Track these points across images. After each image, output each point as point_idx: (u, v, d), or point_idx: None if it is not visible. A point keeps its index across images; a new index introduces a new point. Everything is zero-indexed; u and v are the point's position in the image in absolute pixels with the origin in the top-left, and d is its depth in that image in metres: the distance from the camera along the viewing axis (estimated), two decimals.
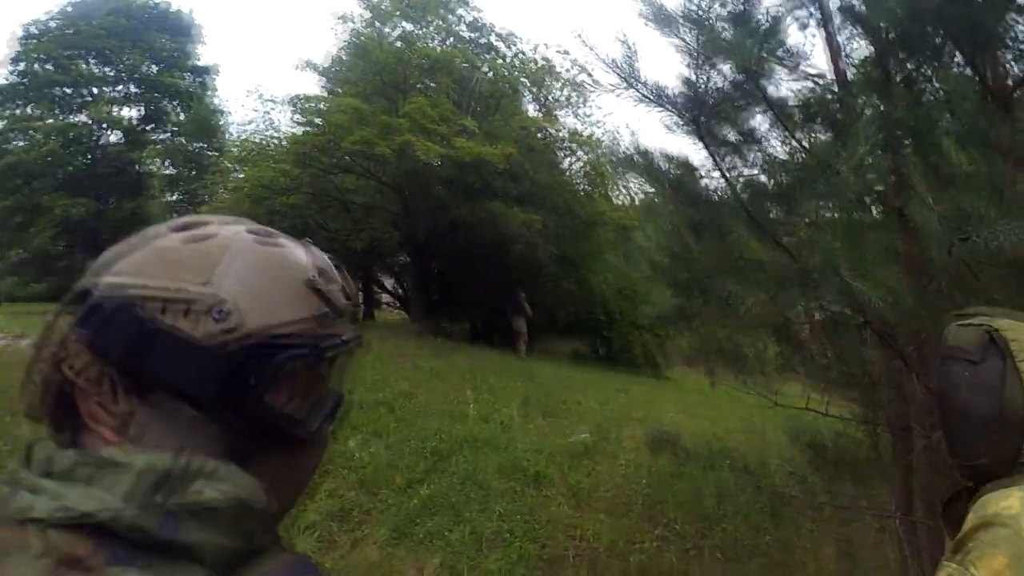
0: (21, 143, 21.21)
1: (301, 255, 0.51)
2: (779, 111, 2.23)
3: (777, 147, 2.50)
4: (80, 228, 21.04)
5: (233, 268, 0.44)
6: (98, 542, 0.37)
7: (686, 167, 2.26)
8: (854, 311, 2.34)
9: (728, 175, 2.17)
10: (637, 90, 1.97)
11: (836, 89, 2.87)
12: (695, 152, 2.33)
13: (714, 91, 1.81)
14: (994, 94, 2.62)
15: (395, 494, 3.77)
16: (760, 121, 2.41)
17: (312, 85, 17.25)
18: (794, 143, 2.54)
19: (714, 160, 2.03)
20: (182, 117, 23.79)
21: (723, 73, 1.82)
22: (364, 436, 4.84)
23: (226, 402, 0.41)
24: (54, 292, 23.01)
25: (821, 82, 3.05)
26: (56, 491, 0.38)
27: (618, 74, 1.93)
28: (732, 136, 2.31)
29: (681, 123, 1.97)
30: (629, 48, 1.89)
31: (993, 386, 0.85)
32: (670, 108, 1.94)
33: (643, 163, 2.67)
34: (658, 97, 1.95)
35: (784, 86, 2.54)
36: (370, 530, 3.29)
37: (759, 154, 2.71)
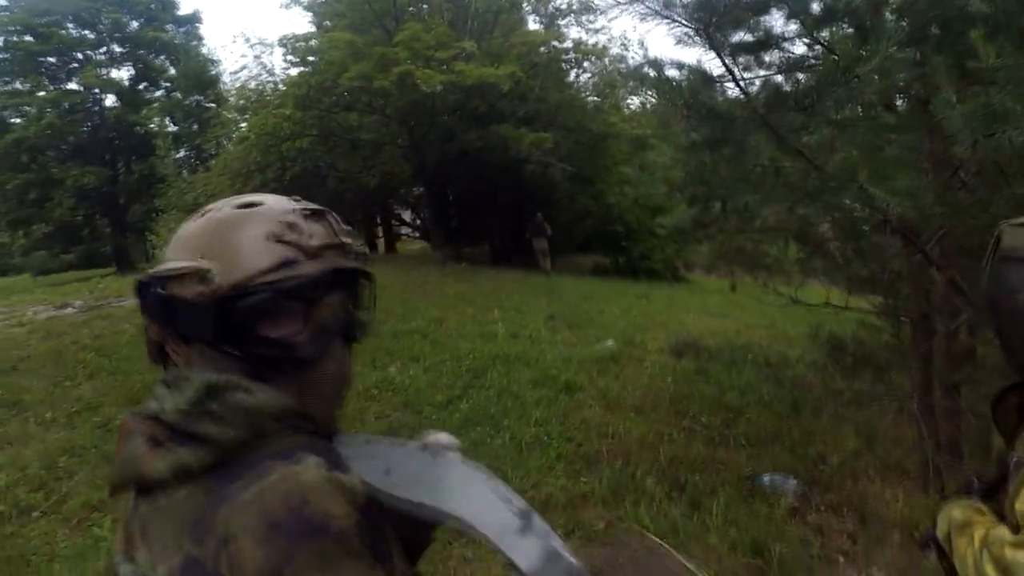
0: (18, 119, 21.13)
1: (268, 214, 0.60)
2: (800, 7, 2.12)
3: (797, 47, 2.40)
4: (96, 195, 21.36)
5: (216, 239, 0.58)
6: (171, 430, 0.55)
7: (700, 78, 2.19)
8: (874, 212, 2.33)
9: (742, 84, 2.13)
10: (643, 2, 1.90)
11: None
12: (708, 61, 2.26)
13: None
14: None
15: (437, 411, 4.09)
16: (778, 20, 2.30)
17: (301, 22, 16.53)
18: (816, 43, 2.43)
19: (727, 70, 1.97)
20: (173, 72, 23.24)
21: None
22: (403, 362, 5.15)
23: (224, 340, 0.56)
24: (84, 260, 23.77)
25: None
26: (160, 395, 0.57)
27: None
28: (749, 38, 2.22)
29: (692, 34, 1.91)
30: None
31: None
32: (679, 19, 1.88)
33: (654, 77, 2.61)
34: (666, 7, 1.89)
35: None
36: None
37: (778, 54, 2.60)
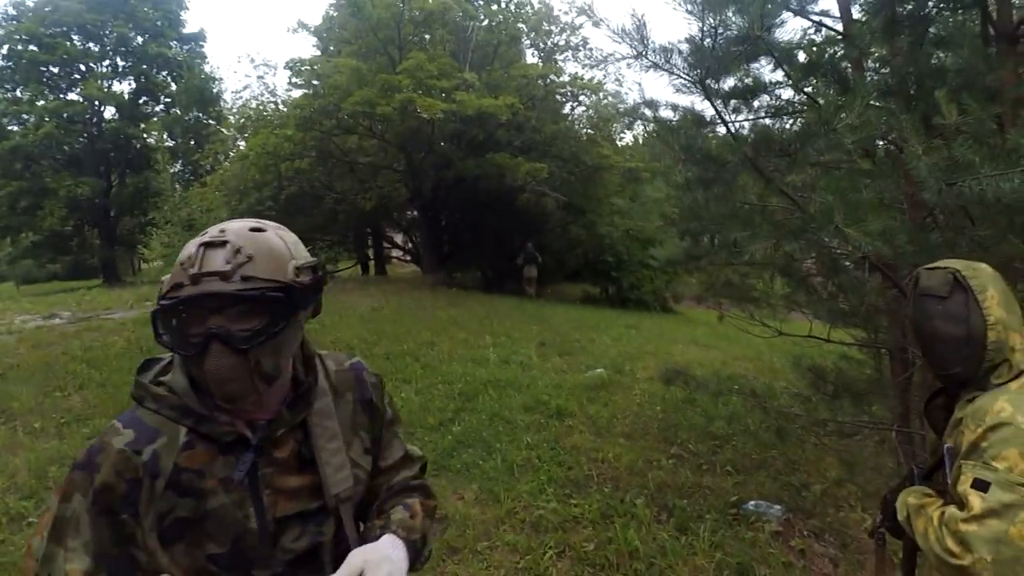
0: (16, 127, 21.13)
1: (193, 245, 0.81)
2: (785, 59, 2.32)
3: (784, 92, 2.60)
4: (88, 206, 21.29)
5: None
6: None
7: (693, 120, 2.38)
8: (853, 250, 2.51)
9: (731, 127, 2.31)
10: (648, 58, 2.08)
11: (842, 31, 2.93)
12: (700, 104, 2.44)
13: (721, 45, 1.91)
14: (998, 31, 2.68)
15: (430, 433, 4.13)
16: (766, 68, 2.50)
17: (307, 46, 16.94)
18: (800, 92, 2.63)
19: (718, 115, 2.16)
20: (174, 88, 23.50)
21: (730, 26, 1.92)
22: (395, 383, 5.19)
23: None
24: (69, 271, 23.54)
25: (827, 23, 3.10)
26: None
27: (629, 44, 2.04)
28: (738, 84, 2.41)
29: (687, 83, 2.10)
30: (638, 20, 1.99)
31: (960, 315, 1.09)
32: (677, 72, 2.06)
33: (652, 117, 2.80)
34: (666, 61, 2.07)
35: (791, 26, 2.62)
36: None
37: (767, 99, 2.81)
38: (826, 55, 2.47)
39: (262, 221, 0.88)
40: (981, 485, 0.95)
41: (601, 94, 14.67)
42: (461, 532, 2.82)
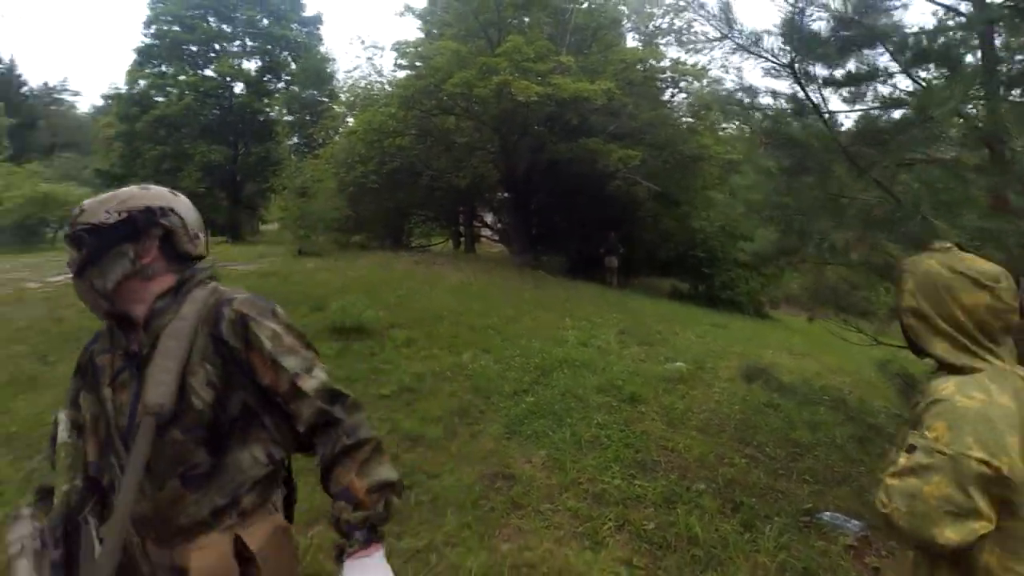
0: (161, 99, 23.90)
1: None
2: (895, 46, 2.15)
3: (893, 84, 2.41)
4: (219, 171, 23.76)
5: None
6: None
7: (792, 107, 2.27)
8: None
9: (824, 114, 2.19)
10: (734, 40, 2.03)
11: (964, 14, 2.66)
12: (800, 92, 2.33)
13: (812, 28, 1.83)
14: None
15: (504, 399, 4.32)
16: (873, 57, 2.33)
17: (412, 29, 17.67)
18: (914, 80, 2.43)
19: (810, 102, 2.06)
20: (294, 67, 25.45)
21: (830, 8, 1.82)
22: (475, 351, 5.44)
23: None
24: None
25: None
26: None
27: (715, 26, 2.00)
28: (839, 74, 2.27)
29: (779, 69, 2.03)
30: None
31: (912, 308, 1.19)
32: (766, 55, 2.00)
33: (743, 104, 2.71)
34: (755, 43, 2.01)
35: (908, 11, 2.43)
36: (485, 426, 3.86)
37: (876, 90, 2.61)
38: (939, 40, 2.25)
39: (155, 188, 1.15)
40: (911, 448, 1.06)
41: (705, 81, 14.02)
42: (526, 491, 2.97)
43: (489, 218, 17.67)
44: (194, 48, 24.64)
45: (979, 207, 1.88)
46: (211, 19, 24.45)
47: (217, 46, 24.72)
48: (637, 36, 16.26)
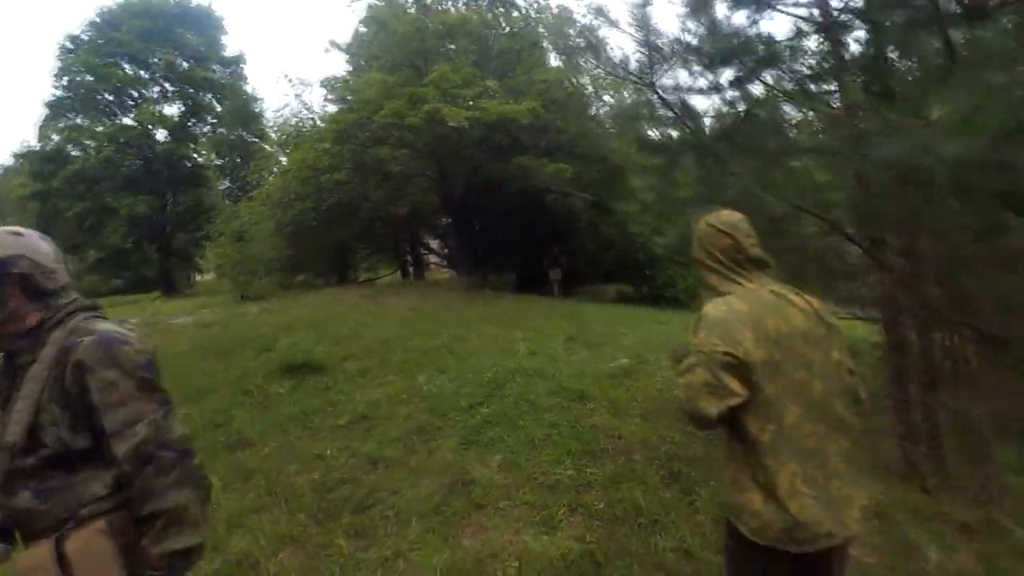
0: (77, 152, 22.78)
1: None
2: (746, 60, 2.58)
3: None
4: (146, 223, 22.76)
5: None
6: None
7: (648, 112, 2.70)
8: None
9: (686, 123, 2.59)
10: (602, 67, 2.37)
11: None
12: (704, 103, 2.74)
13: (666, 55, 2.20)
14: (967, 7, 2.84)
15: (460, 414, 4.47)
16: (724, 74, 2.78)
17: (339, 64, 17.80)
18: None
19: (670, 108, 2.44)
20: (219, 109, 24.89)
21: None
22: (429, 373, 5.58)
23: None
24: (128, 285, 25.09)
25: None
26: None
27: (586, 58, 2.33)
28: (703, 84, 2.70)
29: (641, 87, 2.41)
30: (593, 37, 2.29)
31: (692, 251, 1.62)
32: (627, 77, 2.36)
33: (648, 115, 3.09)
34: (624, 69, 2.36)
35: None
36: (443, 441, 4.00)
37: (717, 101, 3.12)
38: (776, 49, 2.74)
39: (21, 230, 1.28)
40: (687, 354, 1.47)
41: (625, 92, 14.82)
42: (485, 492, 3.15)
43: (435, 244, 17.82)
44: (110, 97, 23.71)
45: (830, 186, 2.26)
46: (126, 66, 23.63)
47: (135, 93, 23.88)
48: (557, 55, 17.03)
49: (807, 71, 2.92)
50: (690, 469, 3.31)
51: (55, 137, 22.73)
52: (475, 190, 13.51)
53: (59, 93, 23.16)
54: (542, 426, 4.10)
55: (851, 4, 3.29)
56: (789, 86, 2.87)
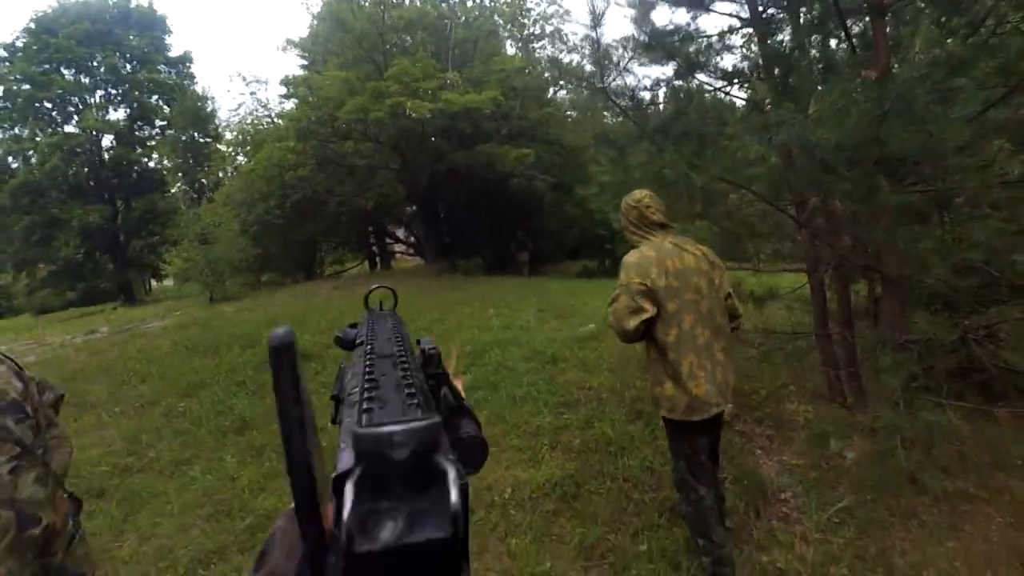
0: (18, 164, 21.87)
1: None
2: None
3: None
4: (99, 233, 22.07)
5: None
6: None
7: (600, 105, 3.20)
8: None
9: (627, 113, 3.08)
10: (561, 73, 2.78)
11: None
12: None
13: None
14: (870, 3, 3.37)
15: None
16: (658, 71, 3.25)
17: (296, 61, 17.64)
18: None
19: (615, 104, 2.92)
20: (168, 110, 24.18)
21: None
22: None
23: None
24: (82, 298, 24.30)
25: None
26: None
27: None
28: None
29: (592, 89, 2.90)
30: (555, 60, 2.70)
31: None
32: (579, 79, 2.82)
33: (600, 106, 3.55)
34: (577, 76, 2.80)
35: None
36: None
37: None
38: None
39: None
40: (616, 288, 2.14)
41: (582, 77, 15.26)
42: None
43: (400, 233, 18.02)
44: (49, 105, 22.76)
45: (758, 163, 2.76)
46: (66, 72, 22.71)
47: (77, 99, 23.00)
48: (514, 43, 17.34)
49: (730, 70, 3.44)
50: (651, 408, 3.82)
51: None
52: (440, 178, 13.80)
53: None
54: (521, 386, 4.56)
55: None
56: (717, 83, 3.40)
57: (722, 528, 2.32)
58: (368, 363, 0.46)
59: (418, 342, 0.67)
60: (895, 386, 2.83)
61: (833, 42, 3.82)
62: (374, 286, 0.84)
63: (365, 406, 0.36)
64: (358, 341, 0.61)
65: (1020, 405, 3.01)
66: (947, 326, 2.93)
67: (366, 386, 0.40)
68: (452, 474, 0.27)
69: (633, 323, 2.04)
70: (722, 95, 3.74)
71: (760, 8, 3.73)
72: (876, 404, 3.61)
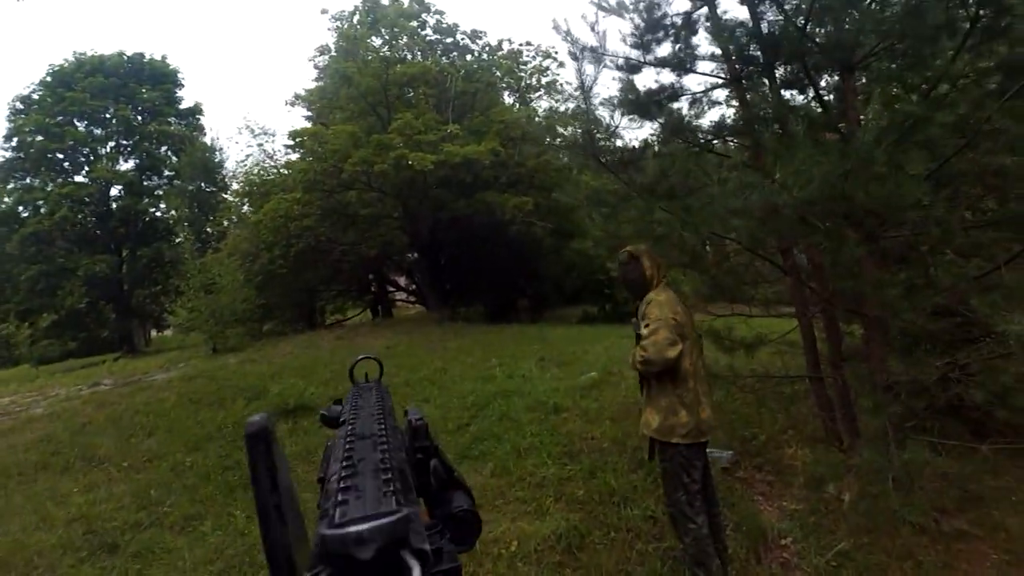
0: (28, 214, 22.31)
1: None
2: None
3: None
4: (102, 282, 22.27)
5: None
6: None
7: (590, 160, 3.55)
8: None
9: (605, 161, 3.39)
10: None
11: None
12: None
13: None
14: (841, 64, 3.66)
15: (450, 435, 4.97)
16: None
17: (302, 115, 18.26)
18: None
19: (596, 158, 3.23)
20: (175, 160, 24.86)
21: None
22: (416, 403, 6.05)
23: None
24: (83, 348, 24.24)
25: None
26: None
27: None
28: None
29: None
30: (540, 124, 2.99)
31: (636, 269, 2.65)
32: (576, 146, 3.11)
33: (587, 156, 3.83)
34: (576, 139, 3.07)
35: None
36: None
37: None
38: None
39: None
40: (646, 327, 2.46)
41: (576, 126, 15.88)
42: (482, 495, 3.65)
43: (402, 280, 18.25)
44: (61, 156, 23.45)
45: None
46: (79, 124, 23.52)
47: (88, 151, 23.71)
48: (511, 94, 18.09)
49: (710, 136, 3.74)
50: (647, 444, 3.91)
51: (7, 200, 22.28)
52: (441, 226, 14.14)
53: (9, 155, 22.81)
54: (525, 437, 4.64)
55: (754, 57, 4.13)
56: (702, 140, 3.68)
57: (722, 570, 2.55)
58: (347, 446, 0.47)
59: (405, 412, 0.68)
60: (877, 427, 2.94)
61: (802, 99, 4.14)
62: (359, 357, 0.84)
63: (340, 497, 0.36)
64: (341, 420, 0.63)
65: (1002, 441, 3.11)
66: (923, 367, 3.08)
67: (343, 474, 0.40)
68: (416, 572, 0.28)
69: (674, 353, 2.37)
70: (707, 150, 4.00)
71: (738, 67, 4.05)
72: (864, 446, 3.71)
